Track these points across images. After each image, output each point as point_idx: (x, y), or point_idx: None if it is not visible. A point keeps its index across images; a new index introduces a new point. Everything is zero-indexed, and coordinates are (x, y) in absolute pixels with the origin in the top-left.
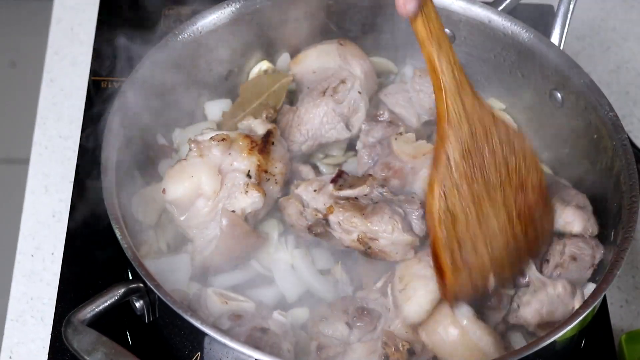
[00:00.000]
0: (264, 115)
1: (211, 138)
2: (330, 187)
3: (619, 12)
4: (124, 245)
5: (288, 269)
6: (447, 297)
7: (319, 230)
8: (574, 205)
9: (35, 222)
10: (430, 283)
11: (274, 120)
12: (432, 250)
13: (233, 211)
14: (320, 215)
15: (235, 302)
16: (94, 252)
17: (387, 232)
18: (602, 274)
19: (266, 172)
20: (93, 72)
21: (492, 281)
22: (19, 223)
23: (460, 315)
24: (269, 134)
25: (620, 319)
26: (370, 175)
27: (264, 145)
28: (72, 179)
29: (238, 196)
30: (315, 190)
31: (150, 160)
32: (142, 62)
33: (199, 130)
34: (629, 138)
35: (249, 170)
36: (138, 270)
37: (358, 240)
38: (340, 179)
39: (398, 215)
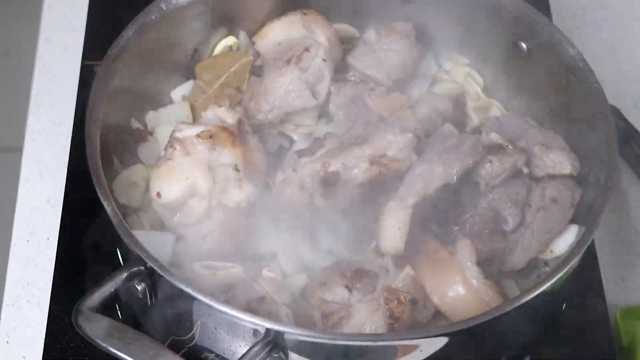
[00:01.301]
0: (227, 103)
1: (198, 135)
2: (320, 152)
3: None
4: (116, 222)
5: (289, 249)
6: None
7: (332, 178)
8: (557, 147)
9: (30, 208)
10: (395, 212)
11: (239, 102)
12: None
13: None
14: (322, 173)
15: (223, 271)
16: (89, 237)
17: (391, 141)
18: (588, 216)
19: (250, 162)
20: (85, 57)
21: None
22: (13, 209)
23: (470, 277)
24: (241, 122)
25: (615, 295)
26: (329, 133)
27: (241, 135)
28: (66, 164)
29: (232, 190)
30: (303, 164)
31: (126, 145)
32: (114, 45)
33: (172, 112)
34: (620, 113)
35: (236, 164)
36: (134, 248)
37: (371, 164)
38: (306, 149)
39: (391, 126)
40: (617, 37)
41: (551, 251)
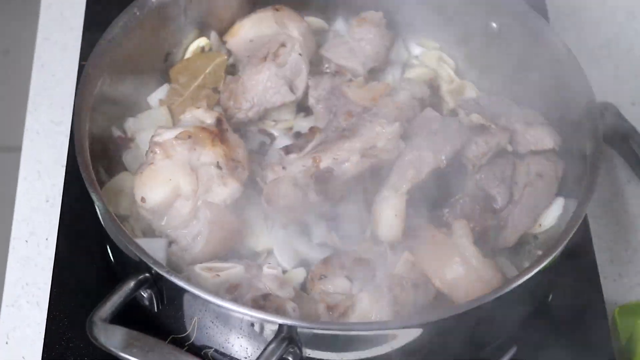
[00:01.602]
0: (204, 103)
1: (176, 137)
2: (308, 148)
3: None
4: (120, 234)
5: (284, 245)
6: None
7: (326, 175)
8: (537, 123)
9: (29, 208)
10: (390, 200)
11: (217, 103)
12: None
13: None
14: (314, 169)
15: (225, 271)
16: (88, 237)
17: (379, 132)
18: (577, 189)
19: (233, 160)
20: (83, 56)
21: None
22: (12, 209)
23: (469, 257)
24: (220, 121)
25: (614, 292)
26: (313, 127)
27: (221, 133)
28: (65, 164)
29: (216, 189)
30: (292, 160)
31: (110, 154)
32: (92, 54)
33: (151, 117)
34: (618, 111)
35: (218, 162)
36: (140, 256)
37: (362, 157)
38: (291, 145)
39: (374, 117)
40: (614, 35)
41: (540, 225)
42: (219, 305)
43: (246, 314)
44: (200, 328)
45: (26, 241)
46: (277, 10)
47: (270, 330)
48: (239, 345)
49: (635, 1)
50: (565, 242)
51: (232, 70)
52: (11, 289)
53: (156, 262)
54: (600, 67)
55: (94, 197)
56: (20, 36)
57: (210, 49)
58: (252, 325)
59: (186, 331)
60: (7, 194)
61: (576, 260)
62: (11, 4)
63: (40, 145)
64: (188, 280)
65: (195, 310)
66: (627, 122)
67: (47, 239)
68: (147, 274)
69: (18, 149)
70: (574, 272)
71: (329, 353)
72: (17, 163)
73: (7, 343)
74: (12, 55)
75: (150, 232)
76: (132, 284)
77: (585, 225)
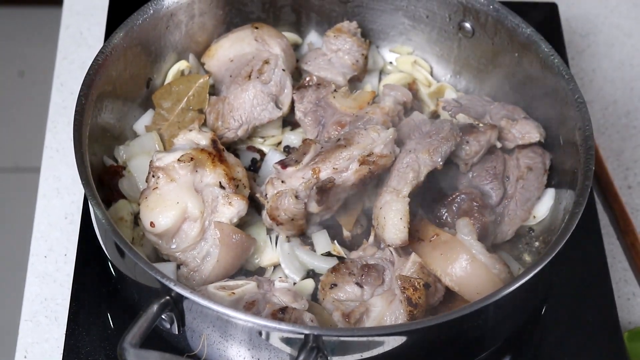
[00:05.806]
0: (197, 126)
1: (179, 160)
2: (305, 160)
3: (623, 9)
4: (147, 267)
5: (290, 257)
6: None
7: (328, 185)
8: (521, 118)
9: (48, 225)
10: (394, 204)
11: (204, 124)
12: None
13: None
14: (314, 180)
15: (240, 289)
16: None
17: (375, 138)
18: (569, 177)
19: (233, 178)
20: None
21: None
22: (31, 226)
23: (476, 253)
24: (215, 142)
25: (628, 312)
26: (306, 139)
27: (219, 154)
28: None
29: (222, 209)
30: (290, 174)
31: (104, 183)
32: (82, 86)
33: (142, 143)
34: None
35: (220, 182)
36: (162, 279)
37: (360, 164)
38: (287, 159)
39: (367, 124)
40: (628, 56)
41: (534, 217)
42: (256, 325)
43: (286, 330)
44: (212, 344)
45: (45, 257)
46: (256, 28)
47: (282, 341)
48: (250, 357)
49: None
50: (572, 228)
51: (211, 90)
52: (30, 305)
53: (178, 284)
54: (615, 88)
55: (115, 238)
56: (38, 57)
57: (190, 72)
58: (290, 342)
59: (197, 348)
60: (26, 211)
61: (590, 277)
62: (29, 26)
63: (59, 163)
64: (210, 299)
65: (200, 325)
66: None
67: (65, 255)
68: (168, 297)
69: (36, 169)
70: (589, 290)
71: (352, 355)
72: (36, 180)
73: (25, 357)
74: (28, 76)
75: (154, 257)
76: (155, 307)
77: (600, 245)
